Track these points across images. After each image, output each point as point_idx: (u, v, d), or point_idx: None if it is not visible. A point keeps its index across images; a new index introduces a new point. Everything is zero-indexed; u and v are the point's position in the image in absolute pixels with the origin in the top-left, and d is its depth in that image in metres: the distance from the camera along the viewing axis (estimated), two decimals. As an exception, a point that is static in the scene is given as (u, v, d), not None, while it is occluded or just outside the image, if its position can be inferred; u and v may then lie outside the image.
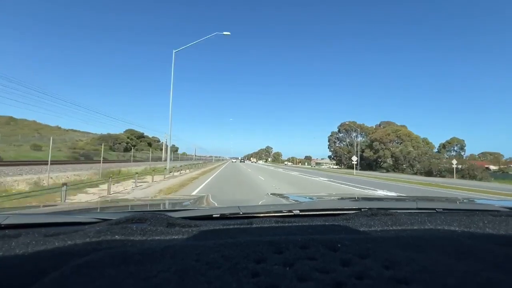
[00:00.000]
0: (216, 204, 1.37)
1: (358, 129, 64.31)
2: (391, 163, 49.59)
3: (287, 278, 0.35)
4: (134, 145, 59.85)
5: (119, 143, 52.29)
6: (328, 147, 73.74)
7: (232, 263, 0.39)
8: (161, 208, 1.20)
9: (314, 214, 0.94)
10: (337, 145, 71.50)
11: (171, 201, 1.72)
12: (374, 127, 64.23)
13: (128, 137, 58.45)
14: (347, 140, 69.23)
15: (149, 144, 78.02)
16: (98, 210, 1.08)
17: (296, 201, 1.38)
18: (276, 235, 0.61)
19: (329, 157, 75.87)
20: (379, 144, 51.36)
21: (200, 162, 41.72)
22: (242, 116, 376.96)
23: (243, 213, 0.87)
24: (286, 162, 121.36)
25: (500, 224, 0.71)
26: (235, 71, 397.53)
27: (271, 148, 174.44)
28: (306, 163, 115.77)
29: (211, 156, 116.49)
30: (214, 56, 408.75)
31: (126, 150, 51.28)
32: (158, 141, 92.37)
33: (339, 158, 68.71)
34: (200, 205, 1.25)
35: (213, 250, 0.44)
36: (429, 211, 1.00)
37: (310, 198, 1.53)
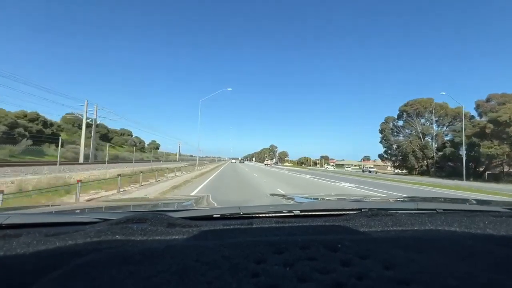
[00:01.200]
0: (216, 205, 1.37)
1: (439, 110, 38.82)
2: None
3: (287, 278, 0.35)
4: (51, 134, 34.14)
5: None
6: (381, 141, 47.53)
7: (232, 264, 0.39)
8: (162, 208, 1.18)
9: (314, 214, 0.93)
10: (395, 137, 45.62)
11: (171, 201, 1.72)
12: (478, 104, 37.76)
13: (34, 119, 32.86)
14: (418, 128, 40.79)
15: (106, 138, 51.36)
16: (99, 210, 1.09)
17: (296, 201, 1.38)
18: (276, 235, 0.61)
19: (380, 156, 50.00)
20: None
21: (174, 165, 25.45)
22: (242, 115, 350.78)
23: (244, 214, 0.87)
24: (327, 166, 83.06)
25: (500, 225, 0.71)
26: (234, 68, 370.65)
27: (276, 147, 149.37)
28: (326, 165, 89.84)
29: (192, 156, 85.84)
30: (213, 54, 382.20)
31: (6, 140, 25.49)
32: (129, 134, 65.95)
33: (403, 158, 42.82)
34: (200, 206, 1.26)
35: (213, 250, 0.44)
36: (430, 211, 1.00)
37: (311, 199, 1.52)
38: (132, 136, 68.29)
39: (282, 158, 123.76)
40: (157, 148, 77.00)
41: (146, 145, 73.65)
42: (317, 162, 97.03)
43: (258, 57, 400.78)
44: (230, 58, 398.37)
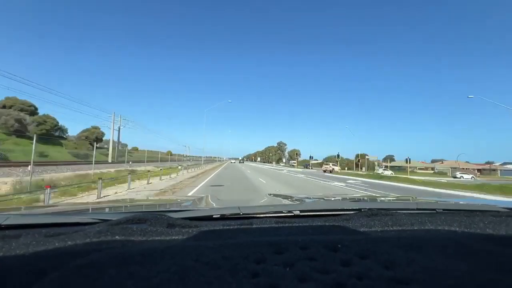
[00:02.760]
0: (215, 205, 1.37)
1: None
2: None
3: (287, 278, 0.35)
4: None
5: None
6: None
7: (232, 264, 0.39)
8: (161, 209, 1.18)
9: (314, 214, 0.94)
10: None
11: (171, 201, 1.73)
12: None
13: None
14: None
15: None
16: (99, 211, 1.09)
17: (296, 201, 1.38)
18: (276, 235, 0.61)
19: None
20: None
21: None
22: (242, 114, 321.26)
23: (243, 214, 0.87)
24: (460, 174, 40.34)
25: (500, 225, 0.71)
26: (233, 63, 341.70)
27: (285, 145, 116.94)
28: (458, 173, 50.59)
29: (185, 156, 64.19)
30: (212, 50, 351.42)
31: None
32: (29, 111, 33.47)
33: None
34: (200, 206, 1.26)
35: (213, 251, 0.44)
36: (430, 211, 1.00)
37: (310, 199, 1.52)
38: (37, 114, 36.65)
39: (294, 157, 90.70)
40: (98, 140, 45.23)
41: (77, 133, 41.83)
42: (358, 163, 64.20)
43: (262, 50, 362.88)
44: (226, 54, 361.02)
